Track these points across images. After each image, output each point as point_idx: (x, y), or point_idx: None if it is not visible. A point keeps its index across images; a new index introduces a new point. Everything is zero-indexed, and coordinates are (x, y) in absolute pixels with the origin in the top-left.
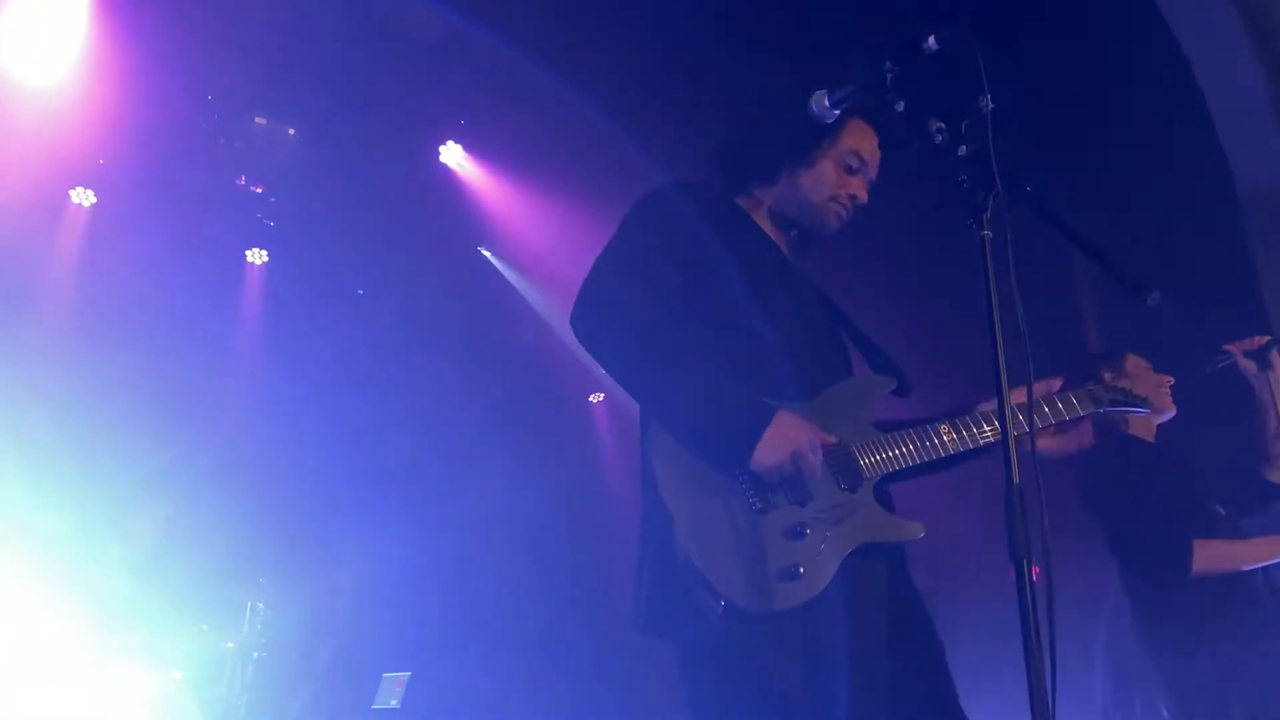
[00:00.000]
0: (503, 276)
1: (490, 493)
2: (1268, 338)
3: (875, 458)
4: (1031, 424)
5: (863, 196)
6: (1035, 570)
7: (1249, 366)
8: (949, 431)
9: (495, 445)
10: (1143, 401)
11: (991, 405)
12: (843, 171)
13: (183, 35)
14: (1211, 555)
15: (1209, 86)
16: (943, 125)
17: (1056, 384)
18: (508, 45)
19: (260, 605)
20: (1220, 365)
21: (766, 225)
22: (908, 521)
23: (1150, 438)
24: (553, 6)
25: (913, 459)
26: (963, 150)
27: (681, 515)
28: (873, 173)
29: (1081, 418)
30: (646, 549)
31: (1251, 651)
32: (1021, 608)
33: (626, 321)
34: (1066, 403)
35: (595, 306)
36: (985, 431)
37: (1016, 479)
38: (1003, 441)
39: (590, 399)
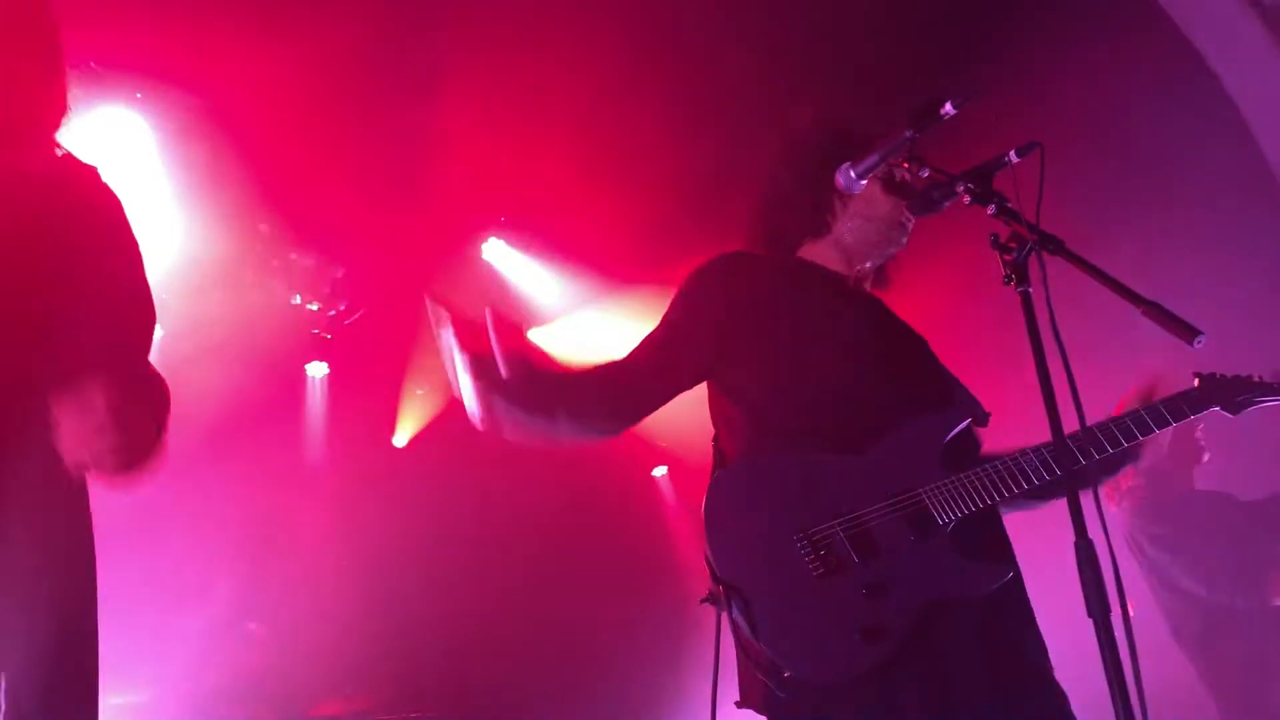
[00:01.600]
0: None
1: (558, 574)
2: None
3: (947, 502)
4: (1094, 473)
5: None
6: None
7: None
8: (1026, 468)
9: (560, 534)
10: (1267, 386)
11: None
12: (889, 190)
13: (231, 168)
14: None
15: (1239, 95)
16: (971, 185)
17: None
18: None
19: None
20: None
21: (836, 267)
22: (990, 566)
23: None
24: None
25: (987, 499)
26: (991, 209)
27: (737, 588)
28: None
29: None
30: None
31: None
32: (1105, 661)
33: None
34: (1139, 420)
35: None
36: (1113, 443)
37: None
38: (1068, 497)
39: (653, 473)
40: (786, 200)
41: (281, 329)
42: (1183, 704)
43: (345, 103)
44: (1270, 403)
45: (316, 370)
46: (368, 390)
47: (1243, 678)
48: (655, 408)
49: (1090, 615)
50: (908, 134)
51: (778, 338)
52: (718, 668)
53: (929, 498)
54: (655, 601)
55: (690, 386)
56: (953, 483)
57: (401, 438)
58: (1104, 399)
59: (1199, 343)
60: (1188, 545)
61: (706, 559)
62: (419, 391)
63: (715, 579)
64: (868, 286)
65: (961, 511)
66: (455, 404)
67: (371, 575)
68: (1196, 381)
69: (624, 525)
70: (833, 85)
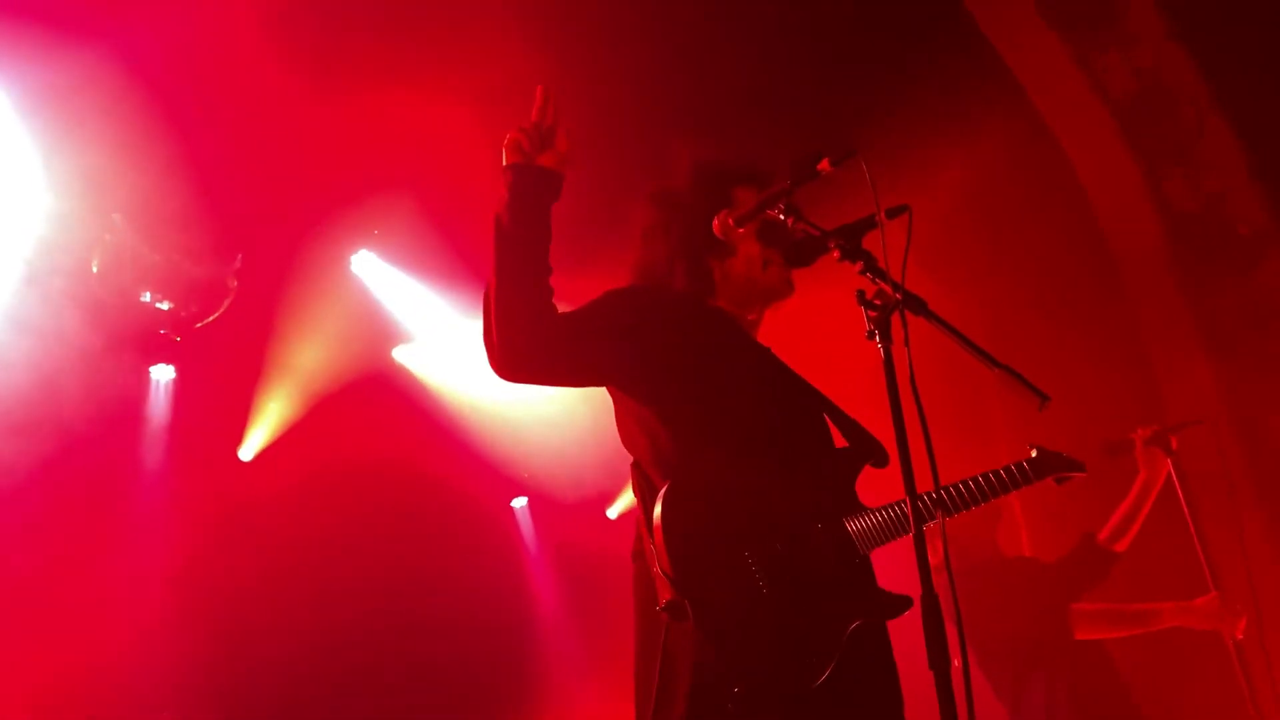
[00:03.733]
0: (420, 382)
1: (410, 601)
2: (1157, 426)
3: (865, 533)
4: (943, 521)
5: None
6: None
7: (1150, 453)
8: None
9: (413, 552)
10: (1078, 464)
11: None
12: (764, 241)
13: (88, 152)
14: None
15: (1090, 183)
16: (841, 242)
17: None
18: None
19: None
20: (1125, 452)
21: (731, 313)
22: (895, 596)
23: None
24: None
25: (896, 535)
26: (859, 267)
27: (698, 600)
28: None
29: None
30: (649, 643)
31: None
32: (943, 712)
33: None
34: (990, 482)
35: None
36: (967, 502)
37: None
38: (916, 552)
39: (512, 504)
40: (666, 261)
41: (127, 326)
42: None
43: (217, 95)
44: (1075, 477)
45: (162, 374)
46: (215, 399)
47: (1045, 714)
48: (553, 360)
49: (931, 667)
50: (786, 185)
51: (690, 364)
52: (663, 678)
53: (852, 528)
54: (505, 631)
55: (587, 371)
56: (868, 516)
57: (248, 451)
58: (954, 453)
59: (1044, 405)
60: (1003, 601)
61: (662, 571)
62: (271, 404)
63: (676, 590)
64: (756, 335)
65: (878, 543)
66: (307, 420)
67: (205, 593)
68: (1034, 452)
69: (480, 554)
70: (711, 129)
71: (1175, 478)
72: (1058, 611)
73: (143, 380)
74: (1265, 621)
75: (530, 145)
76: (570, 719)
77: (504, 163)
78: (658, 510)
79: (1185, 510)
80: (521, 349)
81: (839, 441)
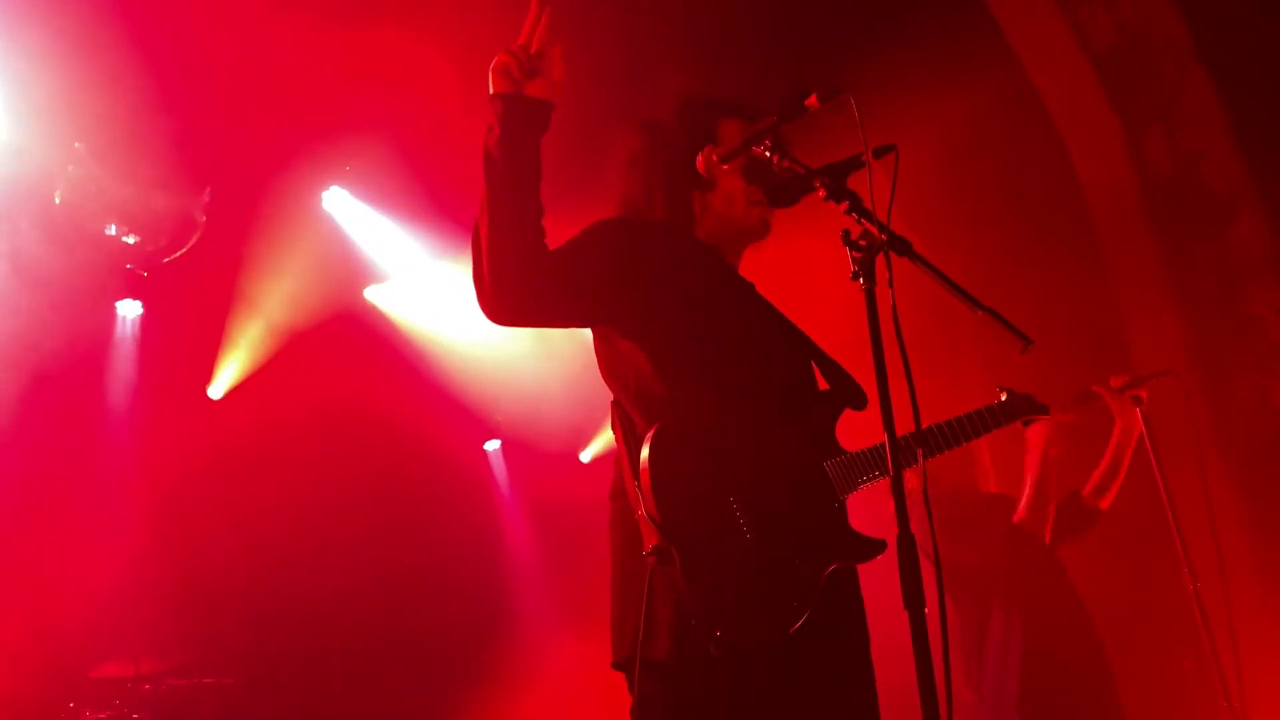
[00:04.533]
0: (392, 322)
1: (381, 542)
2: (1128, 376)
3: (844, 476)
4: (923, 463)
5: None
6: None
7: (1118, 404)
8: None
9: (385, 493)
10: (1043, 407)
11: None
12: (748, 179)
13: (52, 79)
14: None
15: (1069, 136)
16: (827, 181)
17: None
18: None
19: None
20: (1091, 403)
21: (716, 249)
22: (870, 539)
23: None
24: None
25: (874, 474)
26: (845, 206)
27: (684, 545)
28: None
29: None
30: (629, 584)
31: None
32: (916, 649)
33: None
34: (963, 425)
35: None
36: (941, 445)
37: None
38: (894, 492)
39: (485, 447)
40: (645, 186)
41: (92, 260)
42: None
43: (187, 22)
44: (1041, 419)
45: (129, 309)
46: (184, 335)
47: (1000, 648)
48: (546, 301)
49: (906, 607)
50: (773, 121)
51: (680, 300)
52: (646, 619)
53: (832, 472)
54: (477, 572)
55: (582, 311)
56: (847, 460)
57: (217, 389)
58: (928, 397)
59: (1026, 349)
60: (973, 531)
61: (649, 515)
62: (241, 342)
63: (663, 535)
64: (738, 269)
65: (856, 485)
66: (278, 359)
67: (172, 532)
68: (1004, 395)
69: (452, 497)
70: (700, 61)
71: (1144, 431)
72: (1020, 543)
73: (109, 316)
74: (1228, 572)
75: (519, 71)
76: (542, 658)
77: (490, 90)
78: (645, 453)
79: (1153, 463)
80: (514, 290)
81: (820, 383)
